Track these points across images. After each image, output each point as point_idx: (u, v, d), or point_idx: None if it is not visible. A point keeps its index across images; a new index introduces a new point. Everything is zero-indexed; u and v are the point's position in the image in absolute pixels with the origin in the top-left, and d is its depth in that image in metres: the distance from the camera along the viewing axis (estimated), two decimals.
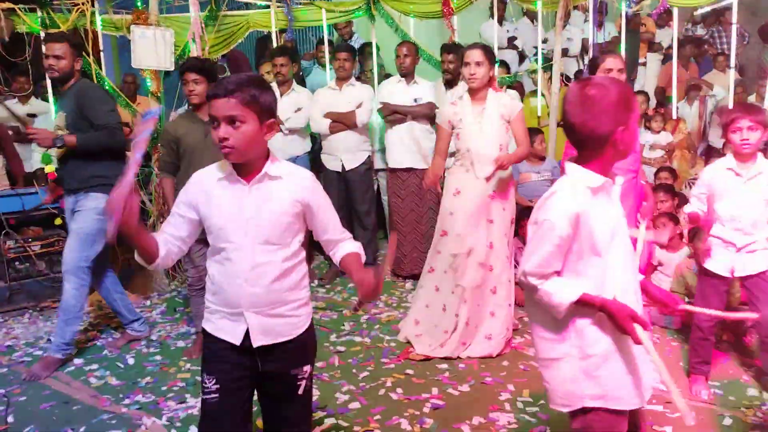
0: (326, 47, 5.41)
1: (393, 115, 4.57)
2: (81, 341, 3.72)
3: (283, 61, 4.61)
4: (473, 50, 3.28)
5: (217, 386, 1.77)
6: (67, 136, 3.24)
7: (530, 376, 3.07)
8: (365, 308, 3.94)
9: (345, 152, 4.61)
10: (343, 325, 3.86)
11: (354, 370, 3.21)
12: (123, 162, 3.41)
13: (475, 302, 3.33)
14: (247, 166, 1.74)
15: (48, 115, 4.93)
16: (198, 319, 3.48)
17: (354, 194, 4.69)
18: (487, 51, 3.32)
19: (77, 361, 3.46)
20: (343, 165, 4.64)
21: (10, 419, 2.84)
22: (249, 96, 1.67)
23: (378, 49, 5.48)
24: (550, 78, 5.09)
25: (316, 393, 2.96)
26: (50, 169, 3.31)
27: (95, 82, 4.68)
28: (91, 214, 3.30)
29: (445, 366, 3.23)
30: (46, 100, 5.22)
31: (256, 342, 1.76)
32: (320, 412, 2.78)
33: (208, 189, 1.77)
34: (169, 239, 1.79)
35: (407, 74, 4.61)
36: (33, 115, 5.33)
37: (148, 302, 4.48)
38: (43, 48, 3.38)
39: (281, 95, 4.63)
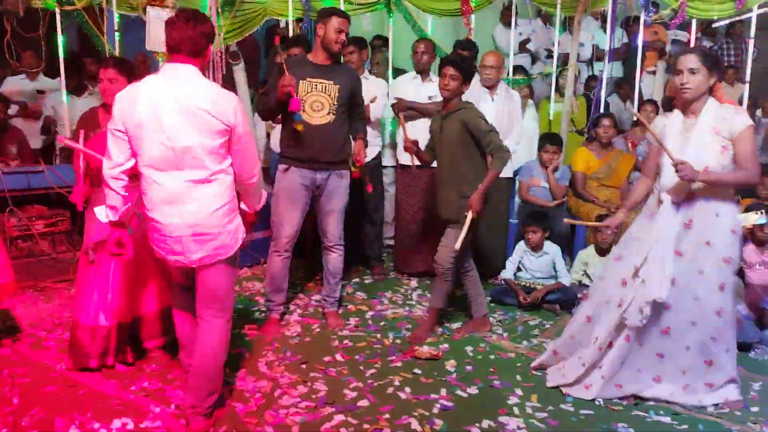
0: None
1: (407, 111, 4.54)
2: None
3: (352, 49, 4.41)
4: (688, 56, 2.79)
5: None
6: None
7: (538, 381, 3.09)
8: None
9: None
10: (348, 320, 3.85)
11: (361, 367, 3.20)
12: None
13: (637, 343, 2.89)
14: None
15: (58, 93, 4.86)
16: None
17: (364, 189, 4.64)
18: (707, 57, 2.80)
19: None
20: None
21: (14, 401, 2.81)
22: None
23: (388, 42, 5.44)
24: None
25: (323, 388, 2.97)
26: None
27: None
28: (346, 190, 3.76)
29: (452, 368, 3.23)
30: (53, 77, 5.15)
31: None
32: (329, 408, 2.78)
33: None
34: None
35: (423, 71, 4.58)
36: (41, 92, 5.27)
37: None
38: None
39: None
